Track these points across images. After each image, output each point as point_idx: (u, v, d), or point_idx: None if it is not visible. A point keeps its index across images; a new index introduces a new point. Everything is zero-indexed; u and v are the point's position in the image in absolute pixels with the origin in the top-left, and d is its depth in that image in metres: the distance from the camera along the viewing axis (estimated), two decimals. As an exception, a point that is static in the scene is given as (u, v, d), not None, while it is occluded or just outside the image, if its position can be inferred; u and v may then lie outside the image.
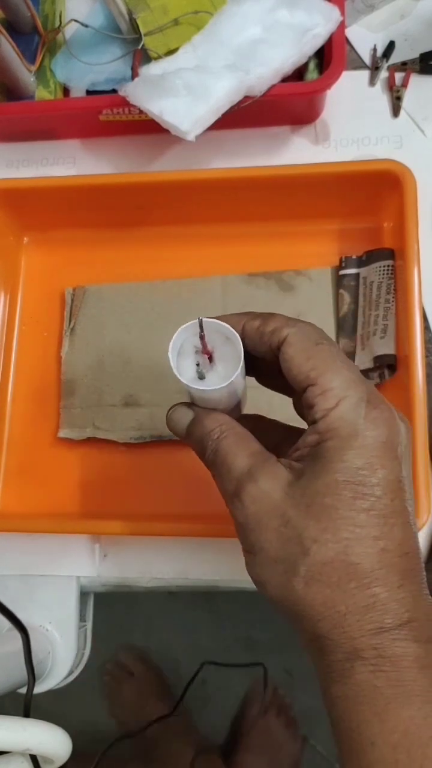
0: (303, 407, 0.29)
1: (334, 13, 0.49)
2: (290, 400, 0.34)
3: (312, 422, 0.29)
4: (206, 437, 0.31)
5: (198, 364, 0.30)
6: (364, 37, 0.58)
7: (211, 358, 0.31)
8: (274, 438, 0.33)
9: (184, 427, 0.32)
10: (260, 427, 0.35)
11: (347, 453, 0.27)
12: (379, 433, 0.28)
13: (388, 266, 0.50)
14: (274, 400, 0.34)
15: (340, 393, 0.28)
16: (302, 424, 0.31)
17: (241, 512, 0.29)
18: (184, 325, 0.30)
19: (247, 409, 0.36)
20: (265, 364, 0.31)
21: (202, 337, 0.30)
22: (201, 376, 0.31)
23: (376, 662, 0.26)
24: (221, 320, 0.31)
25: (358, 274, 0.52)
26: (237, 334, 0.30)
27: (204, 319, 0.30)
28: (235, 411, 0.34)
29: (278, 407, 0.35)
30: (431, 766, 0.25)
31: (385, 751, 0.25)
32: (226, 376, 0.30)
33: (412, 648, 0.26)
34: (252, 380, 0.35)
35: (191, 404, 0.33)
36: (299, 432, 0.31)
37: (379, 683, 0.26)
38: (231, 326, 0.30)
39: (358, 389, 0.28)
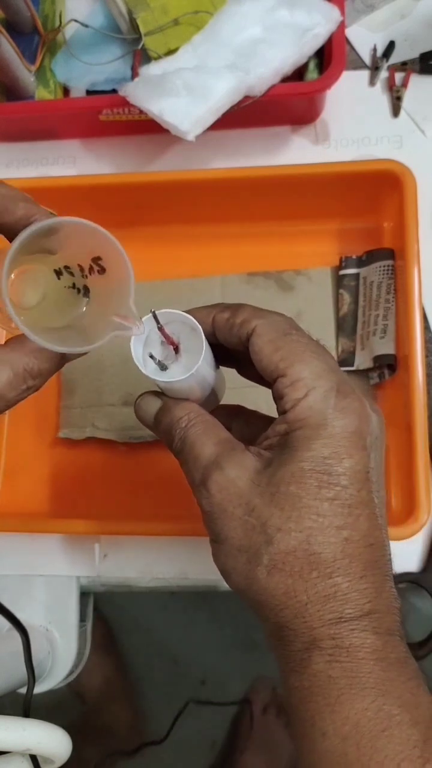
0: (274, 399, 0.29)
1: (334, 13, 0.49)
2: None
3: (282, 412, 0.28)
4: (174, 426, 0.31)
5: (151, 356, 0.30)
6: (364, 37, 0.58)
7: (177, 349, 0.30)
8: (254, 428, 0.33)
9: (152, 416, 0.32)
10: (241, 417, 0.35)
11: (315, 442, 0.27)
12: (347, 422, 0.27)
13: (388, 266, 0.50)
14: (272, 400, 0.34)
15: (309, 383, 0.28)
16: None
17: (207, 501, 0.29)
18: (145, 317, 0.29)
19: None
20: (241, 356, 0.31)
21: (161, 329, 0.30)
22: (163, 367, 0.30)
23: (333, 652, 0.26)
24: (191, 313, 0.30)
25: (358, 274, 0.52)
26: (198, 324, 0.30)
27: (166, 311, 0.29)
28: (210, 400, 0.34)
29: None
30: (380, 759, 0.24)
31: (335, 742, 0.25)
32: (189, 366, 0.29)
33: (370, 639, 0.26)
34: (247, 381, 0.35)
35: (160, 393, 0.32)
36: None
37: (335, 674, 0.26)
38: (201, 318, 0.30)
39: (328, 379, 0.28)
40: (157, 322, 0.29)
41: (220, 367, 0.34)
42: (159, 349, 0.30)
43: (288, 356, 0.28)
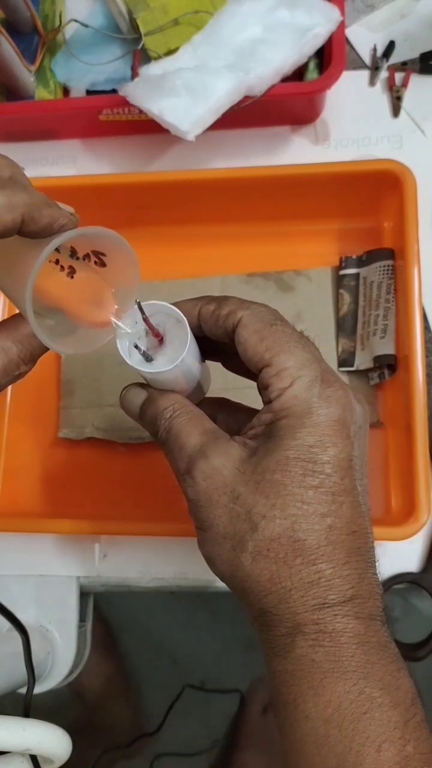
0: (259, 389, 0.30)
1: (334, 13, 0.49)
2: None
3: (267, 402, 0.29)
4: (159, 416, 0.31)
5: (136, 346, 0.30)
6: (364, 37, 0.58)
7: (162, 341, 0.31)
8: (239, 420, 0.33)
9: (138, 407, 0.32)
10: (226, 410, 0.35)
11: (300, 431, 0.28)
12: (331, 411, 0.28)
13: (388, 266, 0.50)
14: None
15: (294, 373, 0.28)
16: None
17: (192, 489, 0.29)
18: (130, 309, 0.30)
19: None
20: (226, 348, 0.31)
21: (145, 320, 0.30)
22: (148, 359, 0.30)
23: (316, 637, 0.26)
24: (176, 305, 0.31)
25: (358, 274, 0.52)
26: (184, 316, 0.30)
27: (153, 302, 0.30)
28: (196, 393, 0.34)
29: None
30: (362, 741, 0.25)
31: (317, 725, 0.26)
32: (175, 358, 0.30)
33: (352, 624, 0.26)
34: (249, 382, 0.35)
35: (146, 385, 0.33)
36: None
37: (318, 658, 0.26)
38: (187, 311, 0.30)
39: (312, 368, 0.28)
40: (142, 312, 0.29)
41: (206, 361, 0.34)
42: (144, 340, 0.31)
43: (273, 346, 0.29)
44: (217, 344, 0.32)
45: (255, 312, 0.30)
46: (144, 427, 0.32)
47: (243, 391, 0.37)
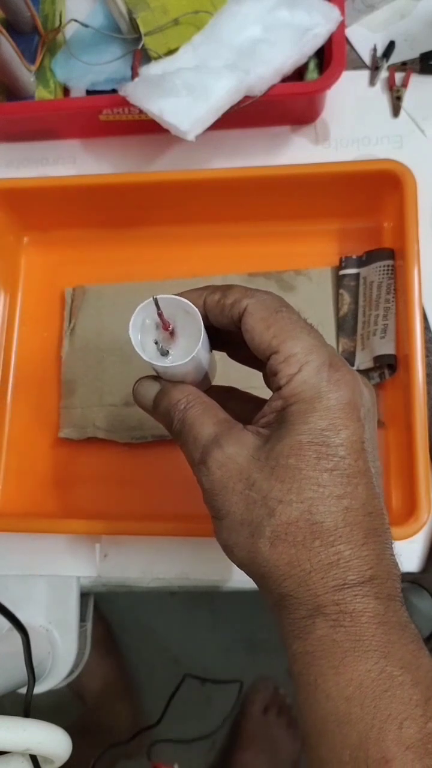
0: (268, 376, 0.30)
1: (334, 13, 0.49)
2: None
3: (277, 389, 0.29)
4: (173, 408, 0.31)
5: (156, 342, 0.31)
6: (364, 37, 0.58)
7: (173, 333, 0.31)
8: (247, 409, 0.33)
9: (151, 400, 0.33)
10: (234, 398, 0.35)
11: (311, 415, 0.28)
12: (341, 394, 0.28)
13: (388, 266, 0.50)
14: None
15: (302, 358, 0.28)
16: None
17: (207, 478, 0.29)
18: (142, 304, 0.30)
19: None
20: (231, 338, 0.32)
21: (160, 315, 0.30)
22: (163, 353, 0.31)
23: (336, 617, 0.27)
24: (181, 296, 0.31)
25: (358, 274, 0.52)
26: (195, 308, 0.30)
27: (161, 297, 0.30)
28: (204, 382, 0.34)
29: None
30: (383, 718, 0.25)
31: (339, 704, 0.26)
32: (188, 350, 0.30)
33: (372, 604, 0.27)
34: (243, 380, 0.35)
35: (157, 377, 0.33)
36: None
37: (339, 637, 0.26)
38: (192, 301, 0.31)
39: (320, 353, 0.29)
40: (158, 307, 0.30)
41: (213, 351, 0.35)
42: (154, 333, 0.31)
43: (280, 333, 0.29)
44: (221, 334, 0.32)
45: (260, 300, 0.30)
46: (157, 419, 0.33)
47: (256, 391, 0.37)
